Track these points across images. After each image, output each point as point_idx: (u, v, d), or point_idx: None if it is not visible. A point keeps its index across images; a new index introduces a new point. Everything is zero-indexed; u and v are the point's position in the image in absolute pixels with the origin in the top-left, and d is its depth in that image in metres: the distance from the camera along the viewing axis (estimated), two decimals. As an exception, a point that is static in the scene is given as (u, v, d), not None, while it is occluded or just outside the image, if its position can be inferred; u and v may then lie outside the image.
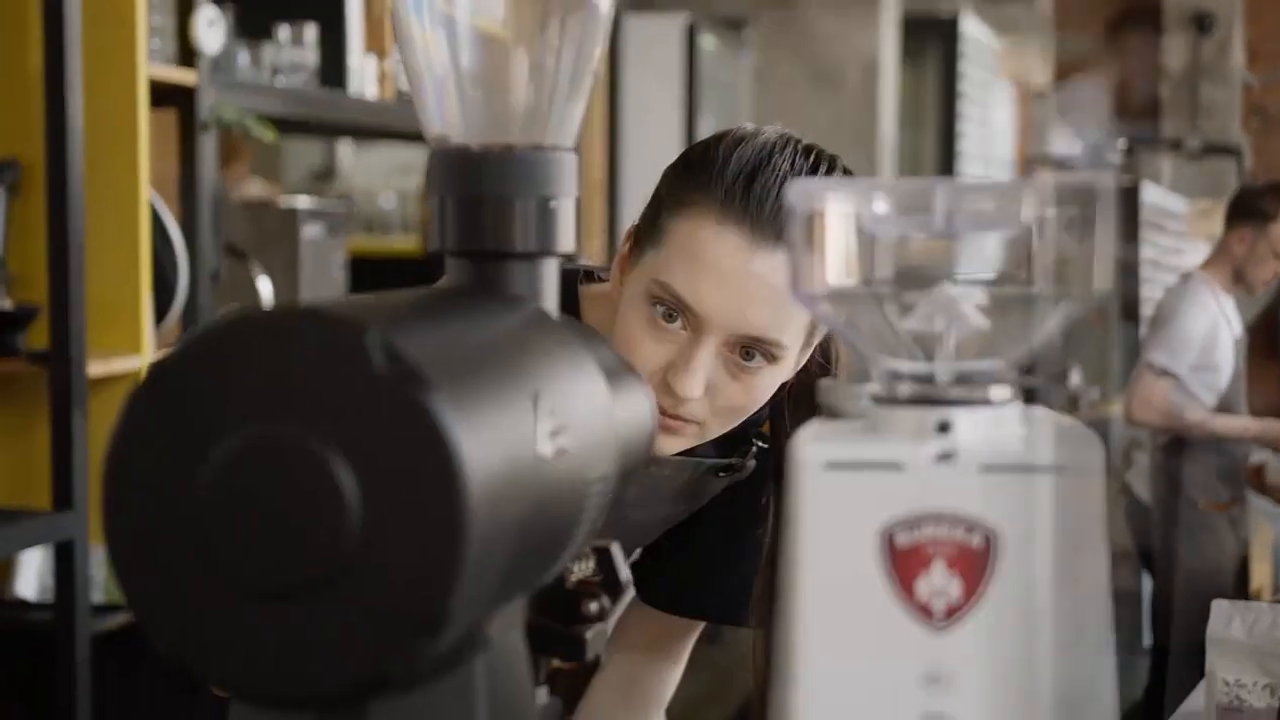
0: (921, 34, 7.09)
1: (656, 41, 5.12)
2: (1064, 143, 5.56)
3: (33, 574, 2.62)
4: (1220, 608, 1.99)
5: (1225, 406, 4.41)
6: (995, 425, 0.71)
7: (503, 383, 0.68)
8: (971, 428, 0.70)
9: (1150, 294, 7.56)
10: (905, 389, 0.72)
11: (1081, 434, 0.72)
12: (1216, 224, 8.75)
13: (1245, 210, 4.43)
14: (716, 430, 1.32)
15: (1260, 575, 5.05)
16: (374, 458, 0.61)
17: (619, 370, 0.86)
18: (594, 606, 0.84)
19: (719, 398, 1.29)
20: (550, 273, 0.82)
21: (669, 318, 1.27)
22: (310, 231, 3.12)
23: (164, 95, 2.66)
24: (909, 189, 0.72)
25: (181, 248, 2.61)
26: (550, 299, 0.82)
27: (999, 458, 0.68)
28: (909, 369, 0.73)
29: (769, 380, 1.30)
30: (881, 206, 0.71)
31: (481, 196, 0.80)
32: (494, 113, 0.82)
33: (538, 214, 0.81)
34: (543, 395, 0.70)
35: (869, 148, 5.56)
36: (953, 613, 0.69)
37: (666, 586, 1.51)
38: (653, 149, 4.95)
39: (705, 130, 6.46)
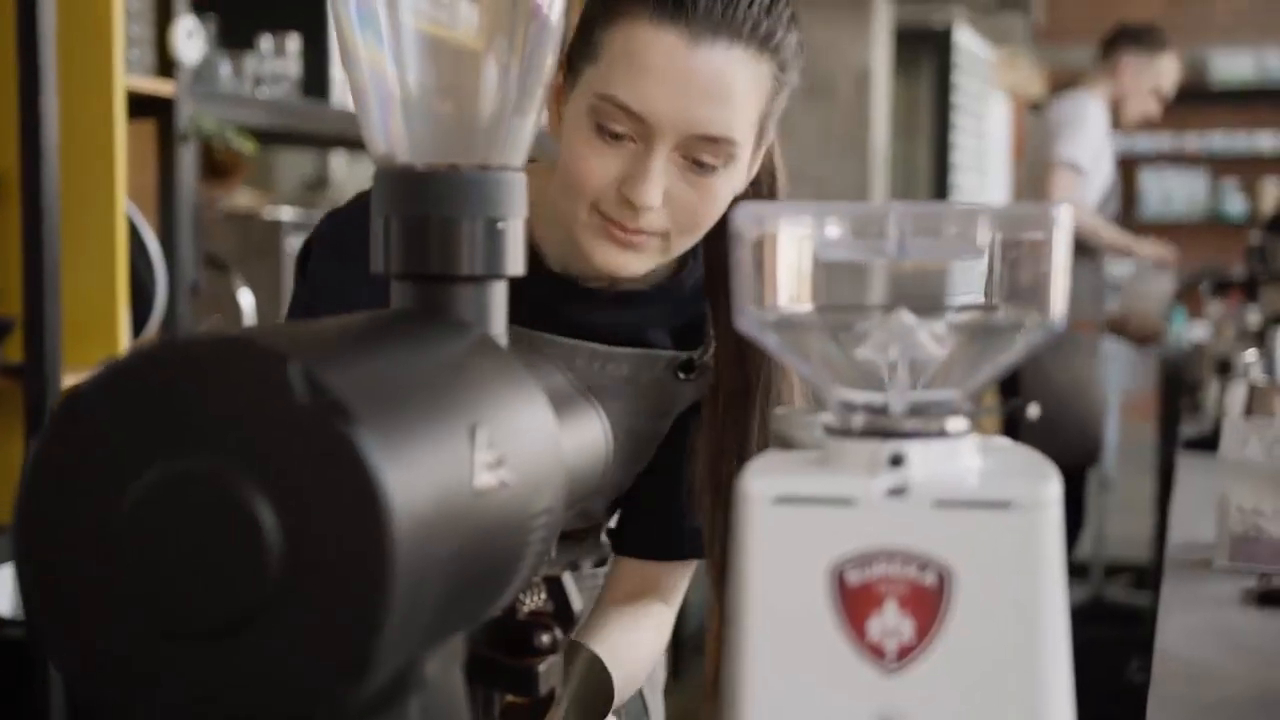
0: (915, 45, 7.07)
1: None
2: None
3: (7, 589, 2.59)
4: (1234, 426, 1.88)
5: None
6: (950, 458, 0.68)
7: (437, 414, 0.65)
8: (925, 461, 0.67)
9: (959, 141, 7.60)
10: (859, 420, 0.70)
11: (1038, 466, 0.70)
12: (1017, 73, 8.78)
13: (1139, 40, 4.52)
14: (680, 245, 1.30)
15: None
16: (296, 493, 0.58)
17: (568, 396, 0.83)
18: (546, 639, 0.81)
19: (677, 207, 1.27)
20: (499, 296, 0.80)
21: (615, 136, 1.25)
22: (295, 243, 3.09)
23: (143, 106, 2.63)
24: (862, 213, 0.70)
25: (159, 260, 2.58)
26: (499, 323, 0.80)
27: (953, 493, 0.66)
28: (862, 399, 0.70)
29: (724, 185, 1.28)
30: (833, 231, 0.69)
31: (427, 218, 0.78)
32: (440, 131, 0.80)
33: (485, 235, 0.79)
34: (482, 426, 0.68)
35: (861, 158, 5.54)
36: (906, 654, 0.66)
37: (644, 532, 1.50)
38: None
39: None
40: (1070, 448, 4.41)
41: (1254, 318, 4.08)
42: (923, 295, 0.71)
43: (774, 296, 0.70)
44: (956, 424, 0.69)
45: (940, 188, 7.51)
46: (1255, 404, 3.01)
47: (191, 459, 0.59)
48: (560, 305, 1.39)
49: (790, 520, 0.67)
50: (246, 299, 2.92)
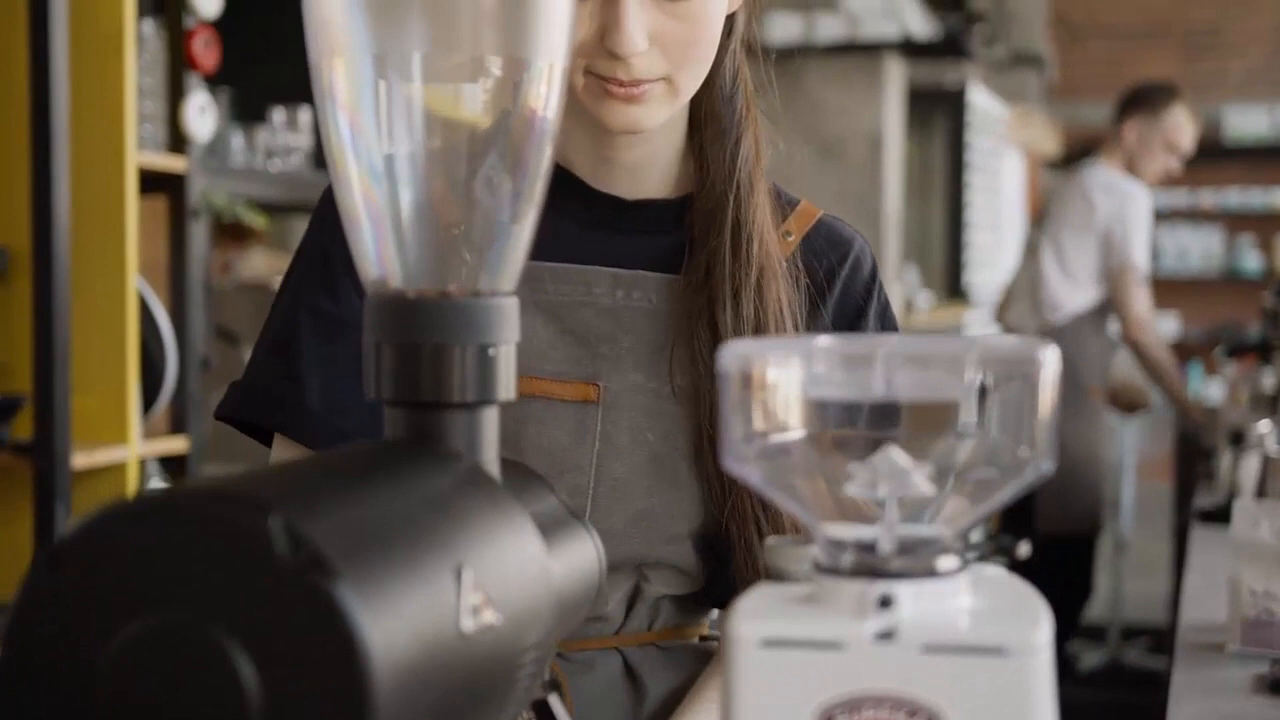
0: (928, 104, 7.08)
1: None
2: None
3: None
4: (1245, 508, 1.85)
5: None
6: (940, 599, 0.68)
7: (422, 558, 0.65)
8: (915, 601, 0.67)
9: (973, 199, 7.59)
10: (847, 559, 0.69)
11: (1030, 606, 0.69)
12: (1032, 130, 8.79)
13: (1138, 102, 4.53)
14: (689, 81, 1.23)
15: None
16: (276, 648, 0.58)
17: (560, 520, 0.83)
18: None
19: (667, 43, 1.20)
20: (490, 422, 0.80)
21: None
22: (305, 313, 3.09)
23: (155, 182, 2.64)
24: (849, 351, 0.69)
25: (170, 336, 2.58)
26: (489, 449, 0.79)
27: (942, 637, 0.65)
28: (851, 536, 0.70)
29: (709, 5, 1.21)
30: (820, 368, 0.69)
31: (418, 345, 0.78)
32: (432, 256, 0.79)
33: (476, 362, 0.78)
34: (468, 566, 0.67)
35: (874, 221, 5.54)
36: (894, 801, 0.65)
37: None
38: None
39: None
40: (1079, 515, 4.38)
41: (1269, 380, 4.06)
42: (913, 430, 0.70)
43: (759, 434, 0.69)
44: (947, 563, 0.68)
45: (954, 247, 7.51)
46: (1270, 475, 2.99)
47: (173, 613, 0.59)
48: (587, 225, 1.31)
49: (778, 664, 0.66)
50: (257, 371, 2.92)
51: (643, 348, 1.26)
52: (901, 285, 6.21)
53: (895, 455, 0.69)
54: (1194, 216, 10.47)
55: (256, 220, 2.78)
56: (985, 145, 7.96)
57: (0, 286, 2.40)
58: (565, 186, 1.30)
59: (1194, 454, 4.62)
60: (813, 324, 1.29)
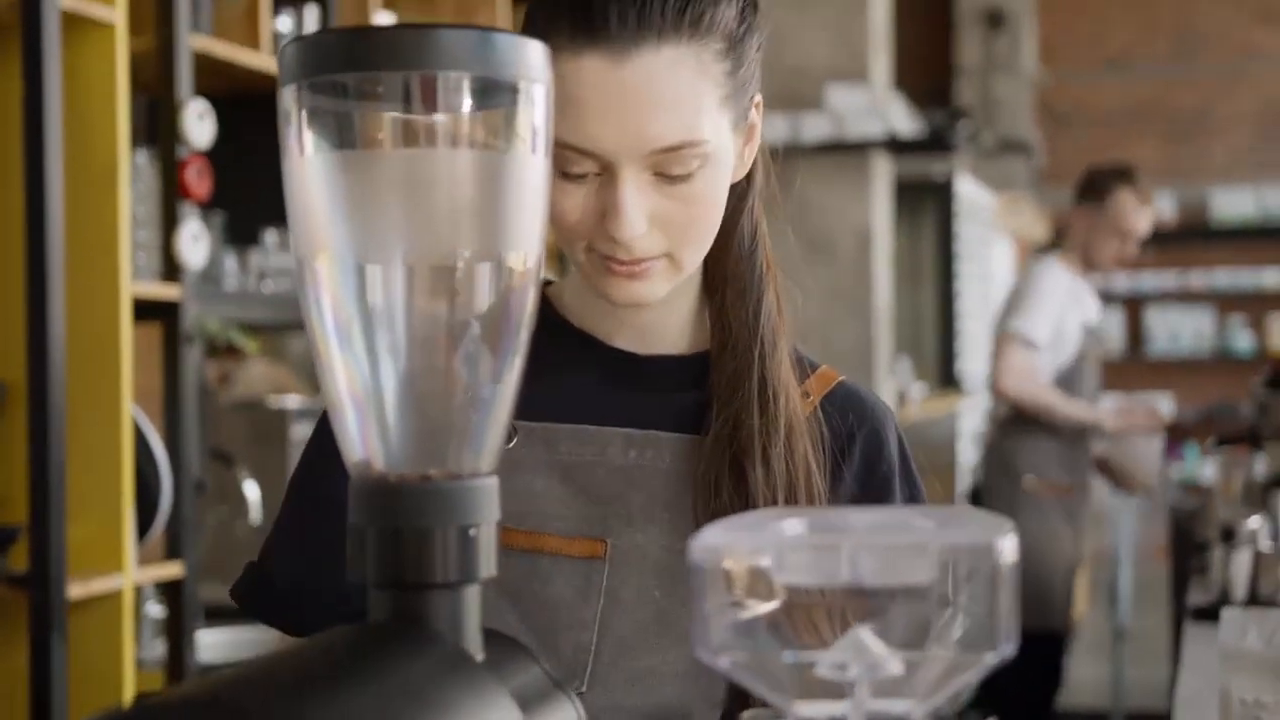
0: (916, 196, 7.16)
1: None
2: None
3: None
4: (1233, 617, 1.83)
5: (1063, 387, 4.48)
6: (909, 780, 0.70)
7: (404, 754, 0.67)
8: (884, 783, 0.69)
9: (964, 288, 7.61)
10: (818, 739, 0.71)
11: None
12: (1020, 217, 8.82)
13: (1085, 190, 4.58)
14: (691, 256, 1.22)
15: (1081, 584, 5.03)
16: None
17: (543, 692, 0.85)
18: None
19: (667, 224, 1.19)
20: (472, 600, 0.82)
21: (579, 176, 1.17)
22: (300, 431, 3.12)
23: (148, 310, 2.68)
24: (817, 542, 0.72)
25: (165, 463, 2.61)
26: (472, 627, 0.81)
27: (910, 822, 0.67)
28: (822, 714, 0.72)
29: (710, 185, 1.20)
30: (789, 556, 0.71)
31: (400, 529, 0.80)
32: (414, 441, 0.82)
33: (458, 544, 0.81)
34: (449, 757, 0.69)
35: (865, 317, 5.59)
36: None
37: None
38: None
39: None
40: (1034, 611, 4.36)
41: (1261, 468, 4.08)
42: (881, 612, 0.72)
43: (730, 621, 0.72)
44: (916, 742, 0.70)
45: (946, 336, 7.56)
46: (1262, 572, 3.00)
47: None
48: (603, 384, 1.30)
49: None
50: (252, 492, 2.95)
51: (655, 506, 1.26)
52: (894, 378, 6.24)
53: (864, 636, 0.71)
54: (1185, 298, 10.54)
55: (248, 346, 2.82)
56: (974, 234, 8.03)
57: (-3, 418, 2.43)
58: (582, 346, 1.31)
59: (1188, 541, 4.63)
60: (836, 485, 1.28)
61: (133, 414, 2.55)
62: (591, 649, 1.23)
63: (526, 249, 0.82)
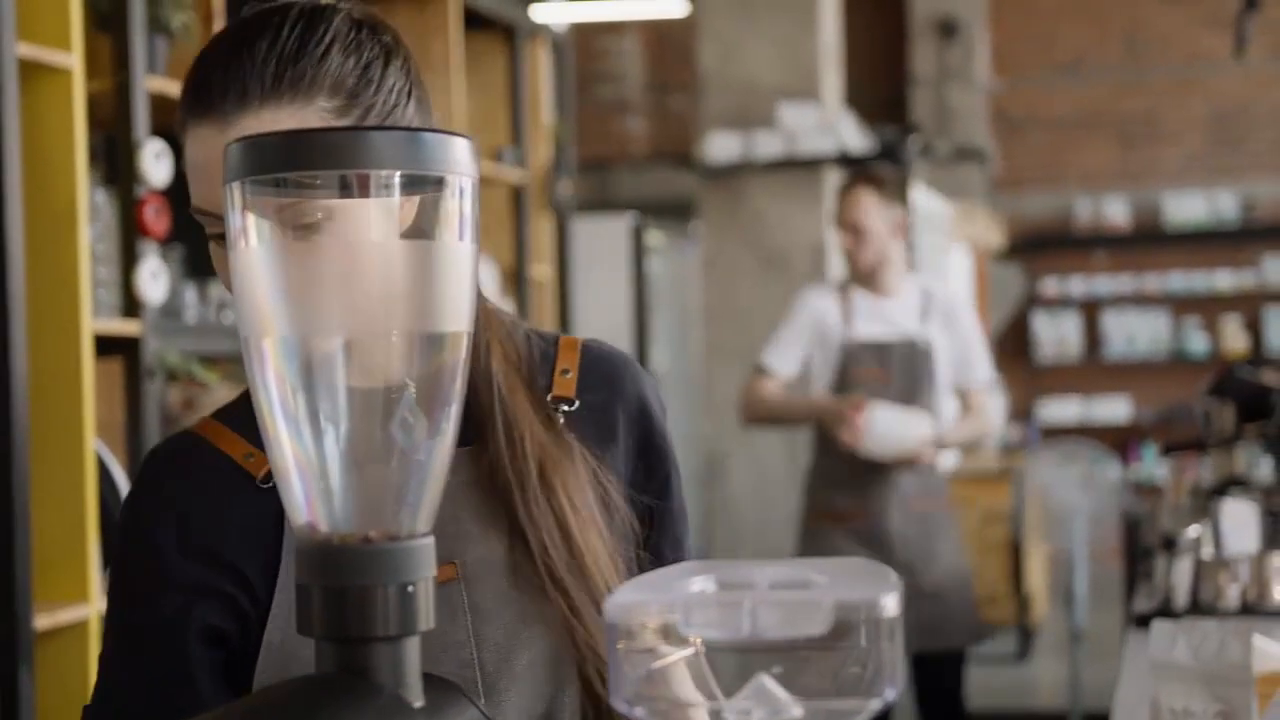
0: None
1: (605, 240, 5.25)
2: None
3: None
4: (1162, 628, 1.89)
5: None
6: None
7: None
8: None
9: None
10: (725, 779, 0.78)
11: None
12: (976, 225, 8.88)
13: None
14: None
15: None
16: None
17: (482, 732, 0.92)
18: None
19: None
20: (412, 650, 0.89)
21: (221, 238, 1.22)
22: (261, 457, 3.16)
23: (109, 345, 2.73)
24: (721, 599, 0.79)
25: (127, 494, 2.66)
26: (412, 675, 0.88)
27: None
28: (730, 756, 0.79)
29: (347, 236, 1.22)
30: (695, 615, 0.78)
31: (344, 587, 0.87)
32: (355, 505, 0.89)
33: (398, 600, 0.88)
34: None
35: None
36: None
37: None
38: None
39: (655, 322, 6.61)
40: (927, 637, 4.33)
41: (1207, 474, 4.15)
42: (782, 661, 0.79)
43: (642, 675, 0.79)
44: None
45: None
46: (1203, 580, 3.07)
47: None
48: None
49: None
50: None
51: (481, 517, 1.31)
52: (851, 388, 6.32)
53: (767, 683, 0.78)
54: (1140, 301, 10.67)
55: (209, 378, 2.88)
56: (931, 242, 8.12)
57: (-39, 455, 2.48)
58: None
59: (1139, 543, 4.69)
60: (609, 452, 1.35)
61: (95, 448, 2.60)
62: (474, 662, 1.28)
63: (457, 323, 0.89)
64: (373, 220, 0.88)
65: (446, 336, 0.89)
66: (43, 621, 2.48)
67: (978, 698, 5.42)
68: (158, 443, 1.39)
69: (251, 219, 0.87)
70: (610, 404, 1.38)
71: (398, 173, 0.86)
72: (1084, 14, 10.65)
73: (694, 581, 0.81)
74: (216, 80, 1.23)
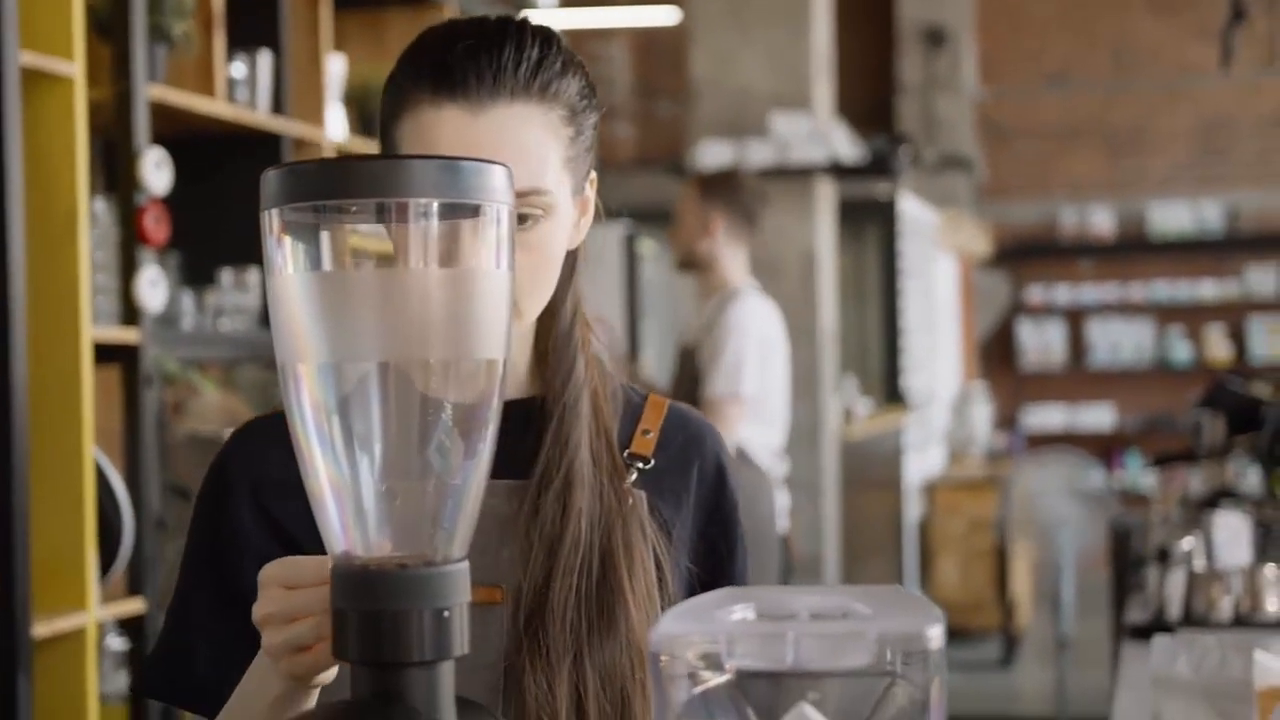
0: (860, 216, 7.26)
1: (596, 248, 5.21)
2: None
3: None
4: (1163, 644, 1.88)
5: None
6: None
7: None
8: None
9: (908, 305, 7.67)
10: (764, 808, 0.78)
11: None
12: (962, 233, 8.88)
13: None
14: (530, 305, 1.28)
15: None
16: None
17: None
18: None
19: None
20: (446, 675, 0.89)
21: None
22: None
23: (108, 353, 2.73)
24: (764, 630, 0.79)
25: (126, 501, 2.66)
26: (446, 700, 0.89)
27: None
28: (768, 784, 0.79)
29: (551, 238, 1.28)
30: (738, 646, 0.78)
31: (379, 612, 0.87)
32: (391, 531, 0.89)
33: (433, 625, 0.88)
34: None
35: (810, 341, 5.67)
36: None
37: None
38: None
39: (648, 331, 6.61)
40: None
41: (1197, 485, 4.16)
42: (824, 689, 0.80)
43: (686, 701, 0.79)
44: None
45: (891, 353, 7.66)
46: (1196, 592, 3.08)
47: None
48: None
49: None
50: (211, 527, 2.98)
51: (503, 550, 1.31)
52: (840, 396, 6.33)
53: (808, 711, 0.79)
54: (1125, 310, 10.70)
55: (205, 386, 2.87)
56: (918, 250, 8.13)
57: (-40, 463, 2.47)
58: None
59: (1127, 552, 4.69)
60: (678, 512, 1.36)
61: (94, 455, 2.60)
62: (500, 689, 1.26)
63: (493, 350, 0.90)
64: (409, 248, 0.88)
65: (482, 359, 0.89)
66: (41, 629, 2.48)
67: (962, 704, 5.44)
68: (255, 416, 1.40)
69: (288, 247, 0.87)
70: (686, 469, 1.38)
71: (435, 201, 0.86)
72: (1071, 24, 10.67)
73: (734, 610, 0.82)
74: (469, 67, 1.24)
